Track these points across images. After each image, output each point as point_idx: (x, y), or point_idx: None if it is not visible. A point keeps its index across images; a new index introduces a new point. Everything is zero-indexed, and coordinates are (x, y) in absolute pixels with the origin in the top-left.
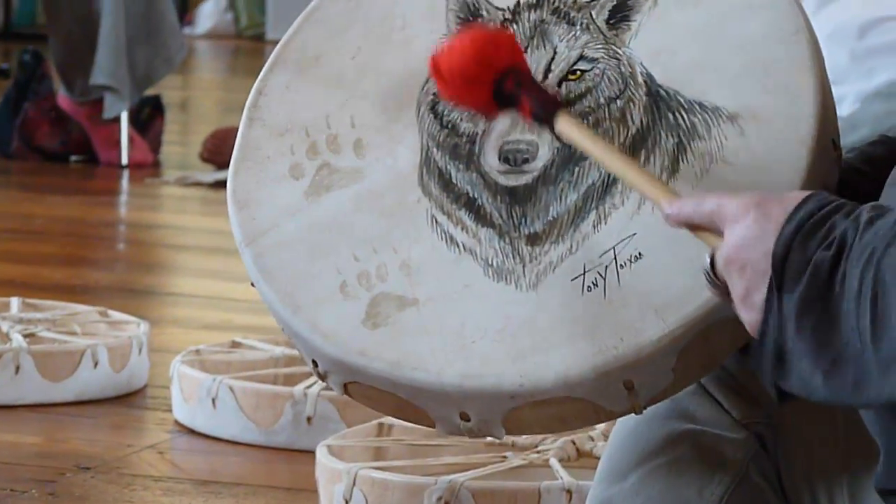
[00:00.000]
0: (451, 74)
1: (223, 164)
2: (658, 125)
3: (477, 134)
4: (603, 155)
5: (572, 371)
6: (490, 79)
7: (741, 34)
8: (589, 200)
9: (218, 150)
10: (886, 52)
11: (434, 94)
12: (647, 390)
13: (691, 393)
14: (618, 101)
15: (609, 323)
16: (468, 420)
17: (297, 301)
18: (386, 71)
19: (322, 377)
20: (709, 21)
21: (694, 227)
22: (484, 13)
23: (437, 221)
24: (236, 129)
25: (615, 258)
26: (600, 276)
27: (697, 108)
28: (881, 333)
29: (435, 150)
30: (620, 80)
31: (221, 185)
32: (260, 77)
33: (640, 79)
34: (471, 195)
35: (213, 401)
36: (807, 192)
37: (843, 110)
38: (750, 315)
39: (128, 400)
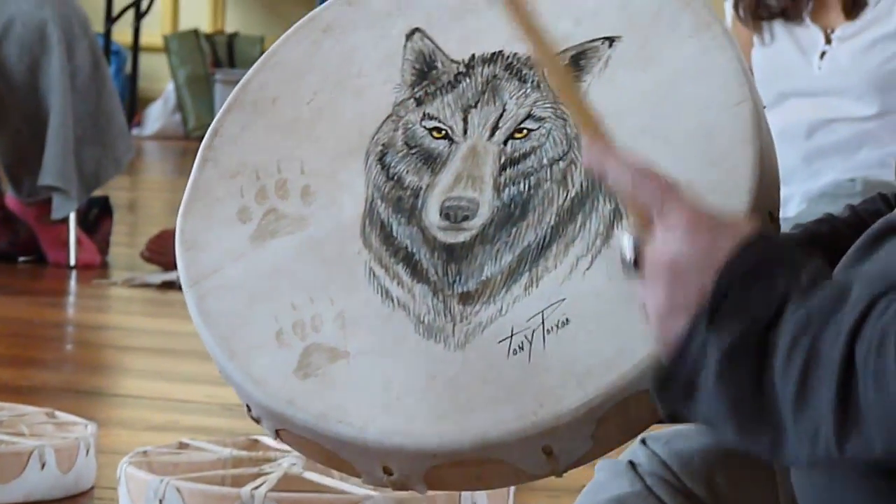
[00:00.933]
0: None
1: (168, 266)
2: (597, 190)
3: (421, 188)
4: (541, 53)
5: (492, 434)
6: None
7: (687, 100)
8: (523, 262)
9: (162, 251)
10: (833, 153)
11: (383, 144)
12: (566, 456)
13: (643, 498)
14: (560, 163)
15: (531, 388)
16: (391, 474)
17: (233, 346)
18: (339, 118)
19: (256, 420)
20: (657, 86)
21: (615, 184)
22: (439, 65)
23: (374, 274)
24: None
25: (543, 323)
26: (527, 339)
27: None
28: (804, 407)
29: (379, 201)
30: (565, 142)
31: (169, 286)
32: (217, 118)
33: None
34: (409, 250)
35: (161, 502)
36: (756, 232)
37: (790, 211)
38: (664, 331)
39: (75, 501)
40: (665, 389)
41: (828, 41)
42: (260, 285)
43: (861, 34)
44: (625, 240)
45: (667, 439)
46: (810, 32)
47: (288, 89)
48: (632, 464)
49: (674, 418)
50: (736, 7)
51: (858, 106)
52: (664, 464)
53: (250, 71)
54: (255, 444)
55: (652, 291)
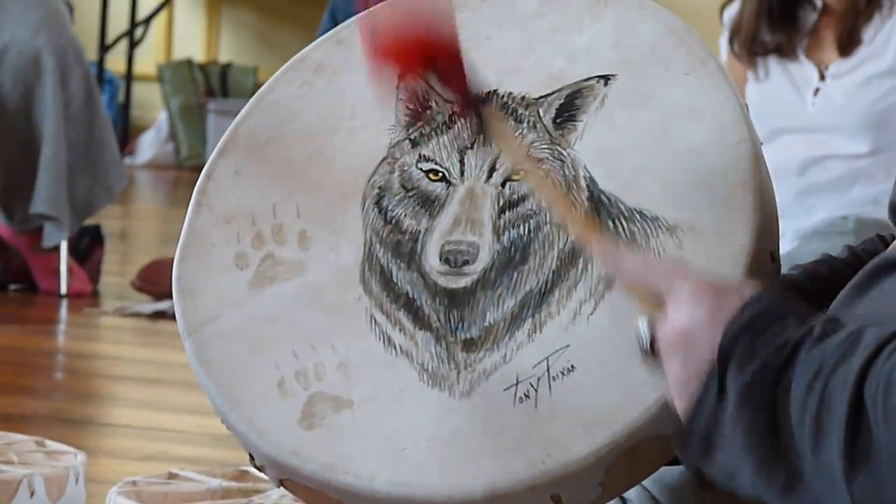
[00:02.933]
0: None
1: (159, 295)
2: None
3: (420, 232)
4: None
5: (500, 484)
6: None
7: (685, 141)
8: (525, 308)
9: (153, 281)
10: (825, 191)
11: (380, 187)
12: (574, 502)
13: None
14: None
15: (538, 436)
16: None
17: (235, 396)
18: (334, 161)
19: (259, 469)
20: (654, 125)
21: (630, 283)
22: (433, 105)
23: (376, 321)
24: (173, 260)
25: (548, 370)
26: (532, 387)
27: (637, 216)
28: (818, 450)
29: (378, 246)
30: (563, 183)
31: (160, 315)
32: (210, 160)
33: (582, 182)
34: (410, 295)
35: None
36: (761, 289)
37: (782, 248)
38: (684, 400)
39: None
40: (687, 446)
41: (822, 78)
42: (260, 333)
43: (855, 71)
44: (641, 326)
45: (657, 475)
46: (804, 69)
47: (281, 132)
48: (622, 499)
49: (701, 482)
50: (731, 42)
51: (852, 143)
52: (654, 498)
53: (242, 112)
54: (244, 475)
55: (670, 367)
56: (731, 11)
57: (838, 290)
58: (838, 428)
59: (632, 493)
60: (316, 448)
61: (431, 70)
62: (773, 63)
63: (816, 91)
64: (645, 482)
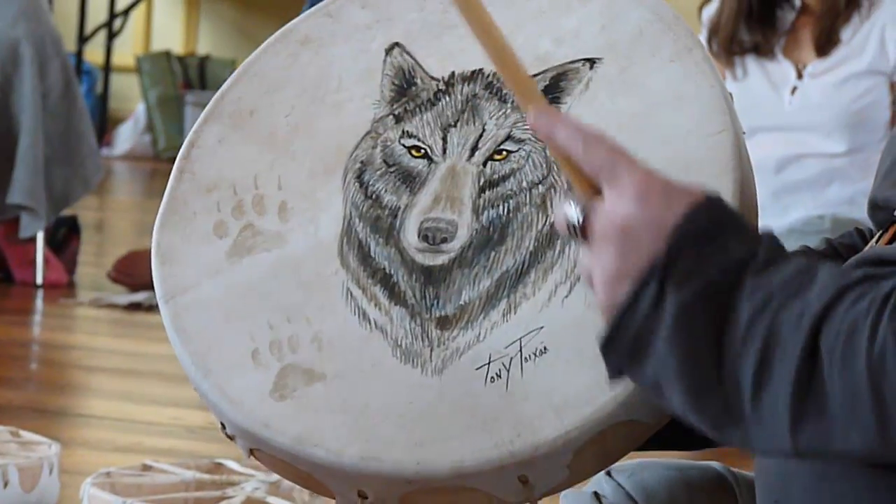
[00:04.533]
0: None
1: (134, 286)
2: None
3: (399, 208)
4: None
5: (468, 462)
6: None
7: (667, 128)
8: (501, 288)
9: (129, 272)
10: (802, 189)
11: (362, 161)
12: (542, 484)
13: None
14: (539, 187)
15: (508, 417)
16: (366, 497)
17: (208, 364)
18: (317, 133)
19: (230, 438)
20: (637, 111)
21: (564, 156)
22: (419, 81)
23: (352, 295)
24: (149, 251)
25: (521, 350)
26: (504, 367)
27: None
28: (761, 391)
29: (357, 220)
30: (544, 165)
31: (135, 307)
32: (193, 128)
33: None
34: (387, 271)
35: None
36: (710, 196)
37: None
38: (611, 296)
39: None
40: (611, 346)
41: (799, 77)
42: (236, 303)
43: (833, 71)
44: (571, 205)
45: (631, 471)
46: (782, 68)
47: (265, 102)
48: (596, 495)
49: (617, 380)
50: (709, 42)
51: (828, 142)
52: (629, 496)
53: (227, 82)
54: (218, 468)
55: (600, 257)
56: (710, 11)
57: None
58: (787, 373)
59: (608, 491)
60: (286, 420)
61: None
62: (751, 62)
63: (794, 90)
64: (621, 480)
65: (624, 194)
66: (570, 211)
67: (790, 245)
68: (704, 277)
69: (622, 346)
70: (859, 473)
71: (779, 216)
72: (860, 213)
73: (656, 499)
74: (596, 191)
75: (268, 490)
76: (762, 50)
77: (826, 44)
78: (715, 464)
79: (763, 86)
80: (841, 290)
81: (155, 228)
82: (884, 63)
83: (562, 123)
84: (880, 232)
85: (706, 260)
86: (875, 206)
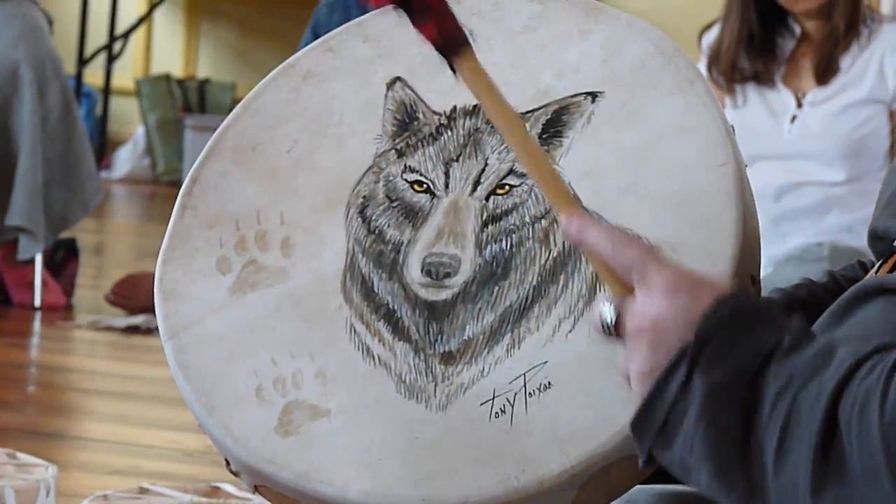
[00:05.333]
0: None
1: (132, 309)
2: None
3: (402, 243)
4: (500, 116)
5: (473, 498)
6: None
7: (670, 161)
8: (505, 322)
9: (128, 296)
10: (801, 217)
11: (364, 196)
12: None
13: None
14: (542, 221)
15: (513, 452)
16: None
17: (212, 401)
18: (319, 168)
19: (235, 474)
20: (640, 143)
21: (596, 259)
22: (420, 116)
23: (355, 331)
24: (148, 275)
25: (525, 386)
26: (509, 402)
27: None
28: (783, 463)
29: (360, 255)
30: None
31: (133, 330)
32: (196, 164)
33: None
34: (391, 306)
35: None
36: (735, 290)
37: None
38: (644, 388)
39: None
40: (641, 429)
41: (799, 105)
42: (240, 339)
43: (832, 99)
44: (604, 305)
45: (628, 497)
46: (782, 96)
47: (267, 137)
48: None
49: (649, 464)
50: (710, 69)
51: (828, 171)
52: None
53: (230, 116)
54: (215, 492)
55: (633, 353)
56: (710, 38)
57: (818, 315)
58: (808, 444)
59: None
60: (291, 456)
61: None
62: (751, 90)
63: (793, 118)
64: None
65: (654, 291)
66: (604, 310)
67: (789, 272)
68: (732, 362)
69: (651, 430)
70: None
71: (777, 243)
72: (858, 242)
73: None
74: (628, 290)
75: None
76: (762, 78)
77: (825, 72)
78: None
79: (763, 114)
80: (856, 363)
81: (158, 264)
82: (883, 92)
83: (593, 228)
84: (881, 262)
85: (734, 345)
86: (875, 237)
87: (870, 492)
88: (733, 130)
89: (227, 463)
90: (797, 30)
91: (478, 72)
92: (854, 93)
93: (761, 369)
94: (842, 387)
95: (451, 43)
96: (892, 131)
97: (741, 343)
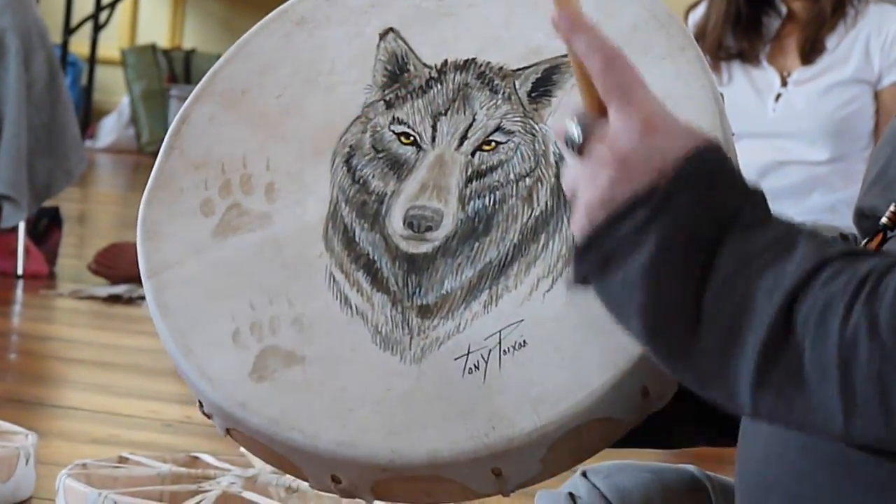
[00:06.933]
0: None
1: (115, 279)
2: (562, 210)
3: (386, 194)
4: None
5: (442, 453)
6: None
7: None
8: (484, 279)
9: (110, 265)
10: (784, 197)
11: (351, 146)
12: (515, 477)
13: None
14: (527, 179)
15: (484, 409)
16: (339, 482)
17: (188, 342)
18: (308, 115)
19: (207, 416)
20: None
21: (579, 67)
22: (411, 68)
23: (334, 279)
24: (131, 245)
25: (500, 343)
26: (483, 359)
27: None
28: (730, 353)
29: (343, 204)
30: (532, 158)
31: (115, 299)
32: (185, 105)
33: (552, 159)
34: (371, 257)
35: None
36: (711, 141)
37: None
38: (592, 218)
39: None
40: (585, 253)
41: (784, 84)
42: (219, 282)
43: (817, 79)
44: (573, 121)
45: (607, 473)
46: (767, 75)
47: (258, 82)
48: (571, 496)
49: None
50: None
51: (811, 150)
52: (604, 497)
53: (221, 60)
54: (194, 462)
55: (592, 179)
56: (696, 16)
57: None
58: (757, 336)
59: (583, 492)
60: (264, 402)
61: None
62: (737, 68)
63: (778, 97)
64: (597, 482)
65: (630, 124)
66: (571, 127)
67: None
68: (694, 223)
69: (595, 256)
70: (842, 478)
71: None
72: (841, 221)
73: (631, 501)
74: (603, 111)
75: (244, 484)
76: (747, 57)
77: (811, 52)
78: (691, 467)
79: (747, 92)
80: (819, 263)
81: (142, 203)
82: (868, 72)
83: (584, 31)
84: (866, 240)
85: (698, 205)
86: (861, 215)
87: (814, 397)
88: (723, 99)
89: (200, 405)
90: (783, 9)
91: None
92: (839, 73)
93: (720, 237)
94: (801, 285)
95: None
96: (877, 111)
97: (707, 203)
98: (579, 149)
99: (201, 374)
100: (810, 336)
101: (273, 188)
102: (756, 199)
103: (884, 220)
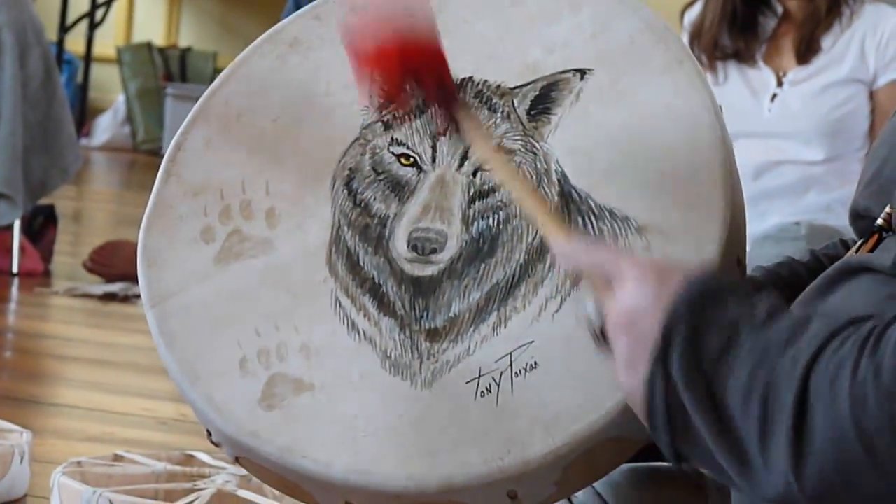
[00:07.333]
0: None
1: (110, 277)
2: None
3: (388, 216)
4: (495, 160)
5: (457, 478)
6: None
7: (658, 140)
8: (491, 300)
9: (106, 263)
10: (779, 196)
11: (350, 168)
12: (530, 499)
13: None
14: None
15: (498, 432)
16: None
17: (196, 371)
18: (305, 139)
19: (216, 444)
20: (628, 123)
21: (576, 274)
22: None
23: (340, 304)
24: (127, 243)
25: (511, 365)
26: (494, 381)
27: (607, 215)
28: (767, 443)
29: (346, 228)
30: (534, 176)
31: (110, 297)
32: (181, 130)
33: (554, 177)
34: (376, 280)
35: None
36: (703, 271)
37: None
38: (631, 380)
39: None
40: (656, 434)
41: (779, 84)
42: (224, 309)
43: (812, 79)
44: (589, 310)
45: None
46: (762, 75)
47: (253, 105)
48: (569, 497)
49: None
50: (691, 46)
51: (807, 150)
52: (600, 497)
53: (215, 82)
54: (189, 460)
55: (616, 348)
56: (692, 14)
57: (798, 292)
58: (785, 424)
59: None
60: (275, 430)
61: (412, 77)
62: (732, 68)
63: (774, 97)
64: None
65: (626, 286)
66: (589, 317)
67: (766, 250)
68: (702, 340)
69: (660, 425)
70: None
71: (755, 222)
72: (836, 221)
73: (624, 495)
74: (610, 292)
75: (238, 483)
76: (743, 57)
77: (807, 51)
78: (688, 466)
79: (743, 92)
80: (830, 334)
81: (141, 230)
82: (863, 72)
83: (560, 253)
84: (862, 240)
85: (704, 323)
86: (857, 215)
87: (842, 463)
88: (721, 111)
89: (209, 434)
90: (779, 9)
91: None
92: (835, 72)
93: (733, 343)
94: (813, 361)
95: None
96: (873, 111)
97: (711, 321)
98: (602, 333)
99: (209, 403)
100: (825, 402)
101: (273, 213)
102: (766, 302)
103: (879, 221)
